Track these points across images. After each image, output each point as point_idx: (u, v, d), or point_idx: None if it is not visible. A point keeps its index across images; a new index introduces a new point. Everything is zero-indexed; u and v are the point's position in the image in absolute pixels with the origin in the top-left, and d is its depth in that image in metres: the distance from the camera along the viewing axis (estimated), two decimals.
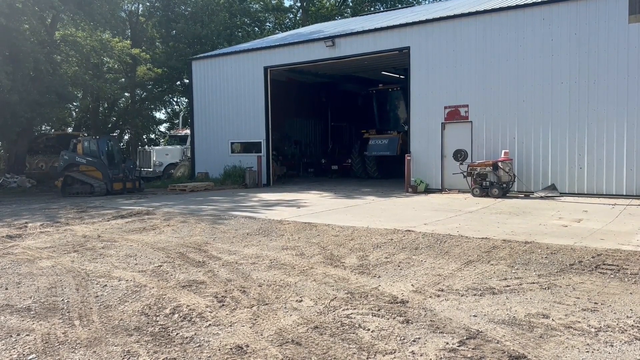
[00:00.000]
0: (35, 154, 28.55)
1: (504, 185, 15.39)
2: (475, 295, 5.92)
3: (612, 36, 14.72)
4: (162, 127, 44.57)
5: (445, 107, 17.61)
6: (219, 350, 4.55)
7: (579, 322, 5.01)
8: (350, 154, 25.75)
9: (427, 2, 42.30)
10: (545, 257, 7.45)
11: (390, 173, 24.18)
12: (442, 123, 17.70)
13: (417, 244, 8.57)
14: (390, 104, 25.28)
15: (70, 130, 35.73)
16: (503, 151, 15.90)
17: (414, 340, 4.65)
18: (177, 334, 4.97)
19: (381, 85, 25.57)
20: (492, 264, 7.23)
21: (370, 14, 32.71)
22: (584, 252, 7.65)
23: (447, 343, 4.57)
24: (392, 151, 22.70)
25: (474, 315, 5.24)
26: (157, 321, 5.33)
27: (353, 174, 25.35)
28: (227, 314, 5.46)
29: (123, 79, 36.21)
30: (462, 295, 5.90)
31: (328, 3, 46.04)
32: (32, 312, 5.67)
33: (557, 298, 5.74)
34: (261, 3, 44.30)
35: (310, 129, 31.10)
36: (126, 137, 40.30)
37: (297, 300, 5.86)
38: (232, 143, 23.49)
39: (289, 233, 9.92)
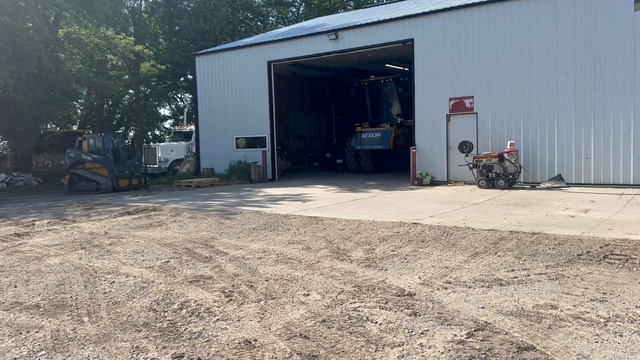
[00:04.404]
0: (41, 152, 28.70)
1: (510, 176, 15.33)
2: (482, 287, 5.90)
3: (618, 25, 14.57)
4: (167, 124, 44.66)
5: (450, 99, 17.53)
6: (228, 344, 4.56)
7: (588, 312, 4.99)
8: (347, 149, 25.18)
9: None
10: (553, 248, 7.42)
11: (385, 167, 23.81)
12: (447, 115, 17.62)
13: (423, 237, 8.56)
14: (383, 96, 24.83)
15: (75, 128, 35.88)
16: (509, 142, 15.83)
17: (422, 333, 4.64)
18: (186, 329, 4.99)
19: (373, 77, 25.01)
20: (499, 256, 7.21)
21: (373, 6, 32.55)
22: (591, 242, 7.61)
23: (455, 335, 4.56)
24: (384, 145, 22.21)
25: (482, 307, 5.23)
26: (166, 317, 5.35)
27: (348, 169, 24.56)
28: (234, 309, 5.47)
29: (127, 76, 36.26)
30: (469, 287, 5.89)
31: None
32: (41, 309, 5.71)
33: (565, 289, 5.71)
34: None
35: (314, 123, 31.02)
36: (131, 133, 40.40)
37: (304, 294, 5.86)
38: (236, 138, 23.48)
39: (295, 227, 9.92)
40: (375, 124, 23.95)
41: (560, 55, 15.49)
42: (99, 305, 5.79)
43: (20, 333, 5.03)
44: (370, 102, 25.03)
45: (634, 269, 6.33)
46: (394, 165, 23.59)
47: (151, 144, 32.28)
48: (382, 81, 24.58)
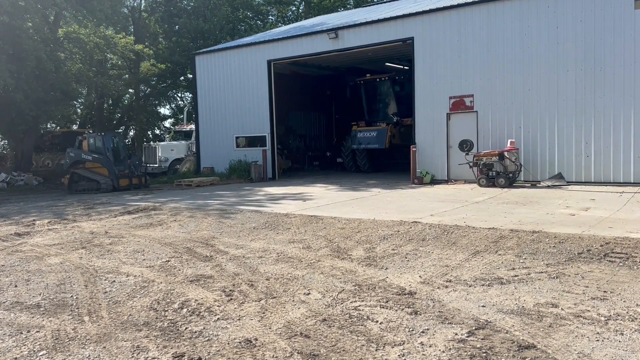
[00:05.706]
0: (42, 152, 28.70)
1: (511, 175, 15.31)
2: (483, 285, 5.90)
3: (618, 23, 14.55)
4: (167, 123, 44.65)
5: (450, 98, 17.51)
6: (228, 344, 4.56)
7: (589, 311, 4.98)
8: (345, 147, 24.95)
9: None
10: (553, 246, 7.42)
11: (382, 166, 23.66)
12: (447, 113, 17.61)
13: (424, 235, 8.55)
14: (379, 95, 24.64)
15: (75, 127, 35.89)
16: (509, 141, 15.82)
17: (422, 332, 4.64)
18: (186, 328, 4.98)
19: (369, 75, 24.82)
20: (499, 254, 7.21)
21: (373, 4, 32.49)
22: (592, 240, 7.60)
23: (456, 334, 4.56)
24: (380, 144, 22.02)
25: (483, 306, 5.23)
26: (166, 316, 5.34)
27: (346, 168, 24.36)
28: (235, 308, 5.47)
29: (127, 75, 36.24)
30: (470, 286, 5.89)
31: None
32: (41, 309, 5.71)
33: (565, 287, 5.71)
34: None
35: (314, 122, 31.01)
36: (131, 133, 40.41)
37: (305, 293, 5.86)
38: (237, 137, 23.47)
39: (295, 226, 9.92)
40: (371, 122, 23.78)
41: (560, 54, 15.47)
42: (100, 304, 5.79)
43: (21, 333, 5.03)
44: (367, 101, 24.90)
45: (635, 267, 6.33)
46: (391, 164, 23.51)
47: (151, 143, 32.25)
48: (378, 80, 24.40)
